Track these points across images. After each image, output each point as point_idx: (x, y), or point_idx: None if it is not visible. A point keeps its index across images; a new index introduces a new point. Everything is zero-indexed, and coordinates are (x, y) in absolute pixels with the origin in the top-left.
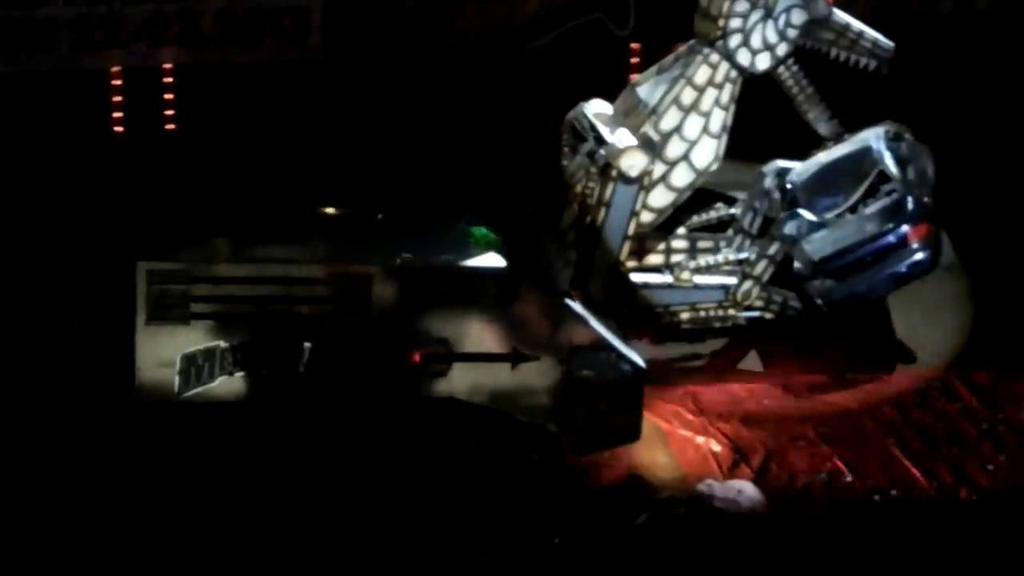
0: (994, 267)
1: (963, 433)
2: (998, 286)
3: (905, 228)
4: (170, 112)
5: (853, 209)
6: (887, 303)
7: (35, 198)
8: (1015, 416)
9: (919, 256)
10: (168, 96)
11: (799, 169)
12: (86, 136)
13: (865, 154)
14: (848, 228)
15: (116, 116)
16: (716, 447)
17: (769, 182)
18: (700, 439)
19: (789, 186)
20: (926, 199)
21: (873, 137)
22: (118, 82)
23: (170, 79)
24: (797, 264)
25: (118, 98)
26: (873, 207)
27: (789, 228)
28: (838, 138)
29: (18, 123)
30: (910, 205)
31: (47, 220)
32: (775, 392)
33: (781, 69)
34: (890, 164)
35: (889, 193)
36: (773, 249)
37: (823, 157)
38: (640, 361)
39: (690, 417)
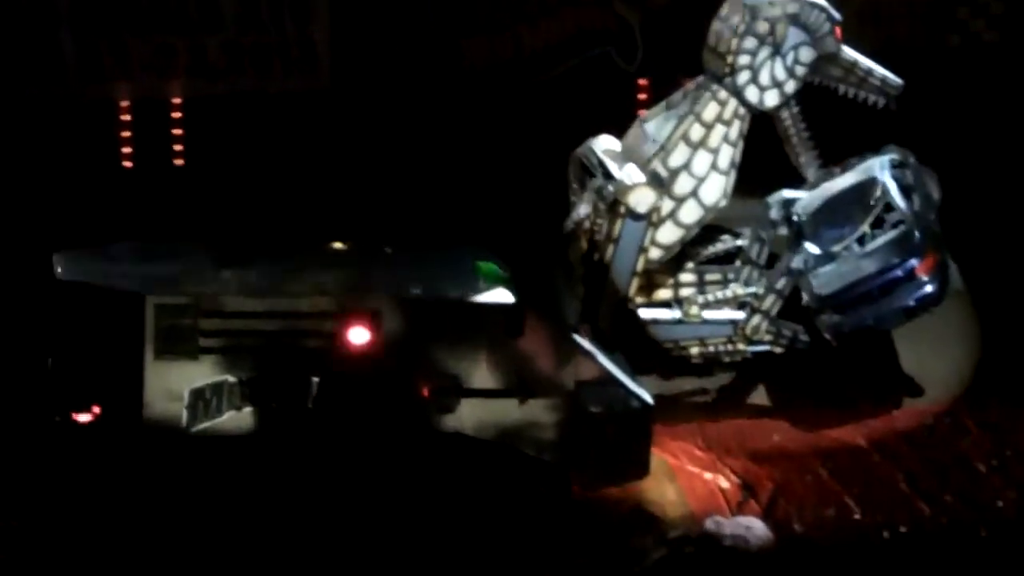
0: (1002, 299)
1: (973, 468)
2: (1006, 318)
3: (913, 262)
4: (179, 147)
5: (861, 240)
6: (893, 337)
7: (44, 231)
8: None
9: (928, 289)
10: (176, 131)
11: (805, 200)
12: (95, 170)
13: (870, 184)
14: (855, 262)
15: (125, 151)
16: (724, 483)
17: (775, 213)
18: (708, 475)
19: (795, 217)
20: (932, 226)
21: (877, 167)
22: (127, 117)
23: (178, 114)
24: (805, 297)
25: (127, 133)
26: (880, 239)
27: (796, 262)
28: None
29: (28, 155)
30: (917, 237)
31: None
32: (784, 427)
33: (783, 109)
34: (895, 196)
35: (895, 224)
36: (780, 283)
37: (829, 187)
38: (648, 397)
39: (698, 453)
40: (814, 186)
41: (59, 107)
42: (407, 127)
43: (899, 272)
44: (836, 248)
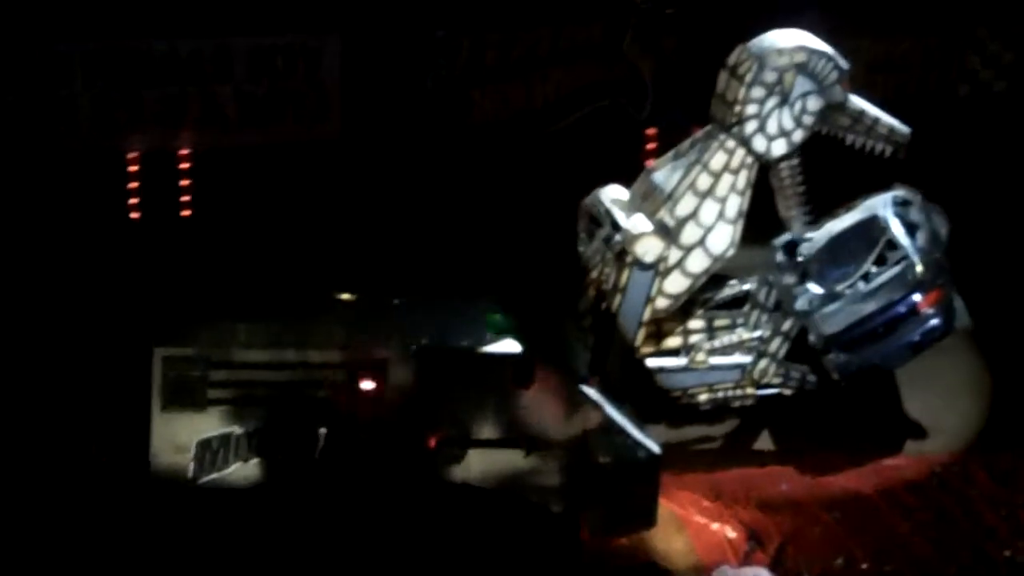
0: (1012, 348)
1: (981, 517)
2: (1016, 367)
3: (915, 297)
4: (186, 198)
5: (865, 278)
6: (902, 385)
7: (54, 283)
8: None
9: (932, 323)
10: (184, 182)
11: (810, 241)
12: (104, 221)
13: (873, 222)
14: (859, 300)
15: (133, 202)
16: (732, 533)
17: (781, 255)
18: (716, 525)
19: (800, 258)
20: (938, 262)
21: (880, 205)
22: (135, 168)
23: (186, 164)
24: (812, 338)
25: (134, 183)
26: (883, 277)
27: (801, 303)
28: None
29: (38, 206)
30: (919, 273)
31: (66, 306)
32: (791, 476)
33: (783, 163)
34: (897, 233)
35: (898, 261)
36: (787, 325)
37: (833, 227)
38: (656, 447)
39: (706, 503)
40: (818, 227)
41: (70, 158)
42: (417, 177)
43: (902, 308)
44: (840, 287)
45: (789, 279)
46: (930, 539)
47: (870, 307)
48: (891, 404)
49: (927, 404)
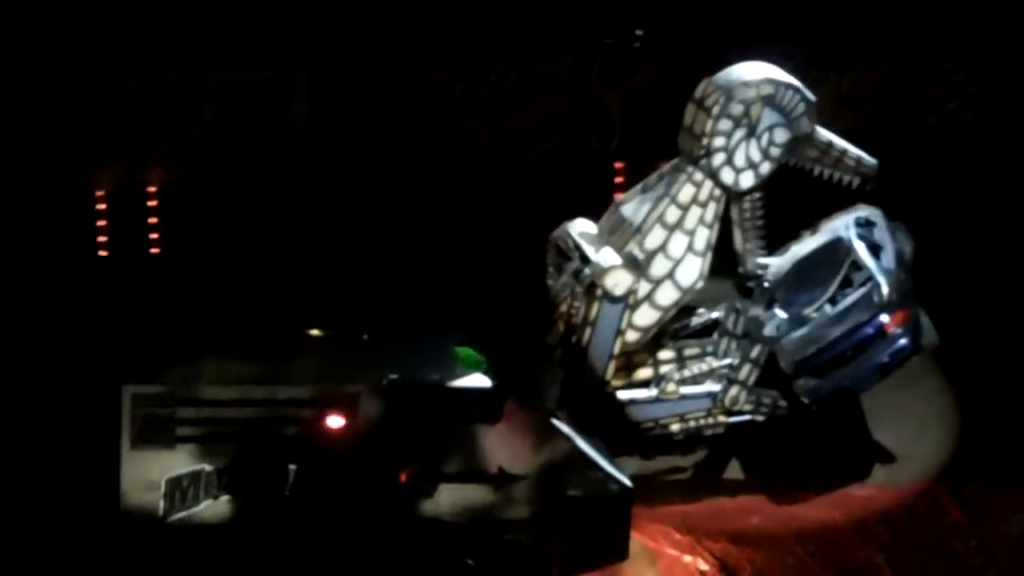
0: (981, 379)
1: (953, 548)
2: (985, 398)
3: (882, 318)
4: (155, 234)
5: (832, 301)
6: (873, 416)
7: (22, 321)
8: (1005, 530)
9: (901, 343)
10: (152, 219)
11: (775, 266)
12: (72, 258)
13: (837, 244)
14: (825, 324)
15: (101, 239)
16: (704, 566)
17: (761, 273)
18: (688, 558)
19: (767, 284)
20: (904, 282)
21: (843, 227)
22: (103, 205)
23: (154, 201)
24: (782, 363)
25: (102, 221)
26: (849, 299)
27: (769, 329)
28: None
29: (5, 244)
30: (885, 294)
31: (34, 344)
32: (763, 508)
33: (745, 199)
34: (861, 254)
35: (864, 283)
36: (755, 352)
37: (797, 251)
38: (627, 480)
39: (678, 536)
40: (783, 252)
41: (36, 195)
42: (385, 213)
43: (869, 330)
44: (807, 311)
45: (757, 305)
46: (902, 571)
47: (838, 330)
48: (861, 435)
49: (898, 435)
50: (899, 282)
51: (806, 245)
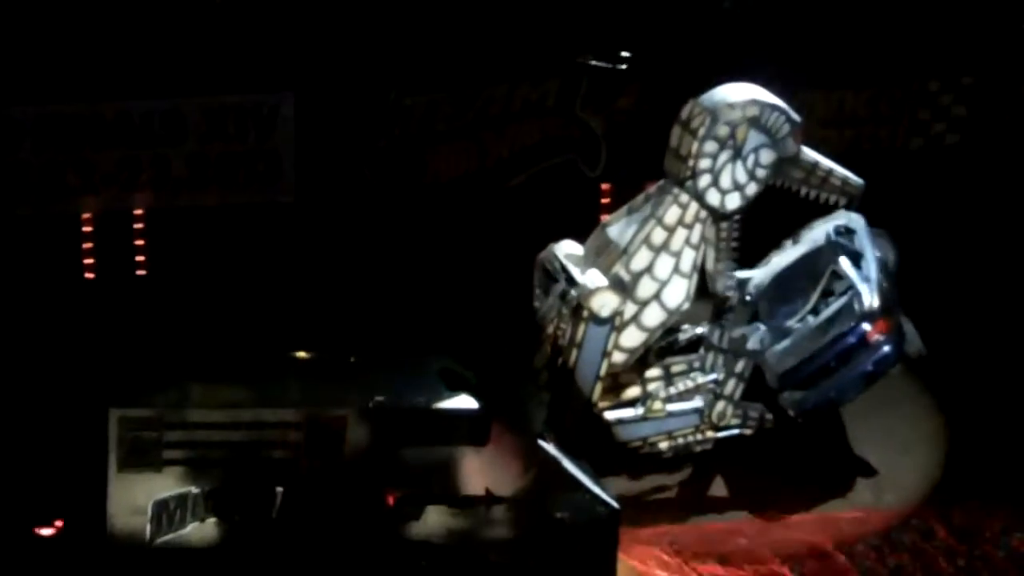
0: (968, 401)
1: (940, 571)
2: (972, 420)
3: (864, 327)
4: (141, 257)
5: (814, 312)
6: (860, 439)
7: (7, 344)
8: (992, 552)
9: (884, 351)
10: (139, 242)
11: (757, 279)
12: (58, 282)
13: (818, 254)
14: (808, 335)
15: (87, 262)
16: None
17: (731, 295)
18: None
19: (748, 297)
20: (886, 290)
21: (823, 236)
22: (89, 228)
23: (141, 224)
24: (767, 377)
25: (89, 244)
26: (830, 309)
27: (752, 343)
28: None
29: None
30: (866, 302)
31: (20, 368)
32: (751, 531)
33: (724, 223)
34: (842, 263)
35: (845, 292)
36: (740, 366)
37: (778, 262)
38: (614, 502)
39: (666, 558)
40: (764, 263)
41: (22, 219)
42: (372, 236)
43: (852, 339)
44: (790, 323)
45: (740, 319)
46: None
47: (820, 341)
48: (849, 457)
49: (885, 457)
50: (881, 290)
51: (787, 256)
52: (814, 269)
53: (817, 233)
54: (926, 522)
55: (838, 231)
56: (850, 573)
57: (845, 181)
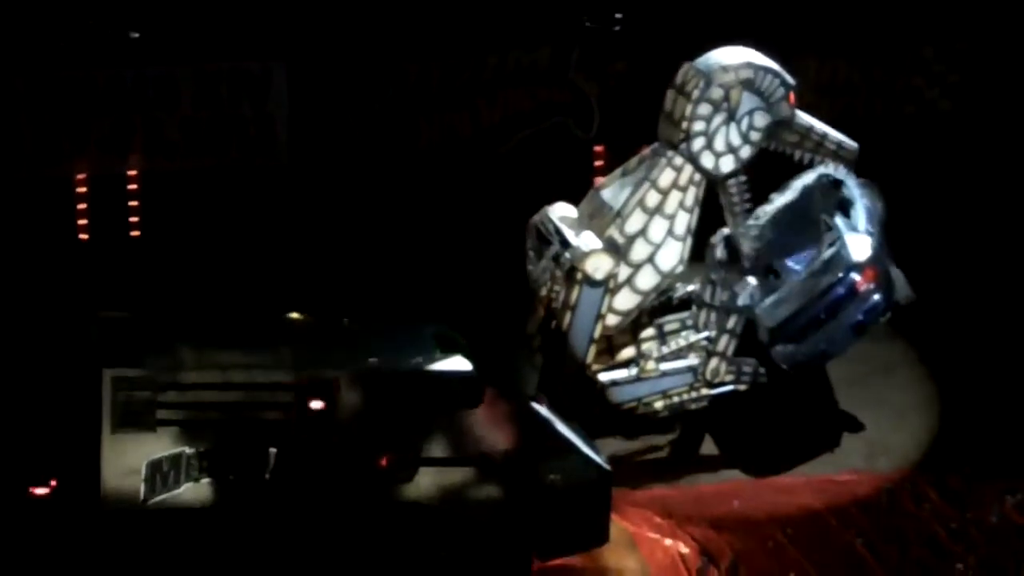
0: (960, 366)
1: (933, 535)
2: (964, 385)
3: (853, 276)
4: (135, 219)
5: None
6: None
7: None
8: (984, 516)
9: (873, 300)
10: (133, 203)
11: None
12: (52, 242)
13: (807, 203)
14: (797, 288)
15: (81, 223)
16: (684, 550)
17: (720, 252)
18: (668, 542)
19: (750, 252)
20: (874, 239)
21: (811, 184)
22: (83, 189)
23: (135, 186)
24: (760, 331)
25: (83, 205)
26: (819, 260)
27: (743, 298)
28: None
29: None
30: (853, 252)
31: (14, 328)
32: (743, 494)
33: (730, 180)
34: (829, 213)
35: (832, 243)
36: (732, 322)
37: (764, 213)
38: (607, 465)
39: (658, 520)
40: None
41: (16, 181)
42: (365, 201)
43: (840, 289)
44: (781, 278)
45: (731, 275)
46: (882, 557)
47: (809, 293)
48: (842, 421)
49: (878, 421)
50: (870, 239)
51: (772, 206)
52: (804, 217)
53: (803, 182)
54: (919, 486)
55: (826, 181)
56: (842, 536)
57: (840, 145)
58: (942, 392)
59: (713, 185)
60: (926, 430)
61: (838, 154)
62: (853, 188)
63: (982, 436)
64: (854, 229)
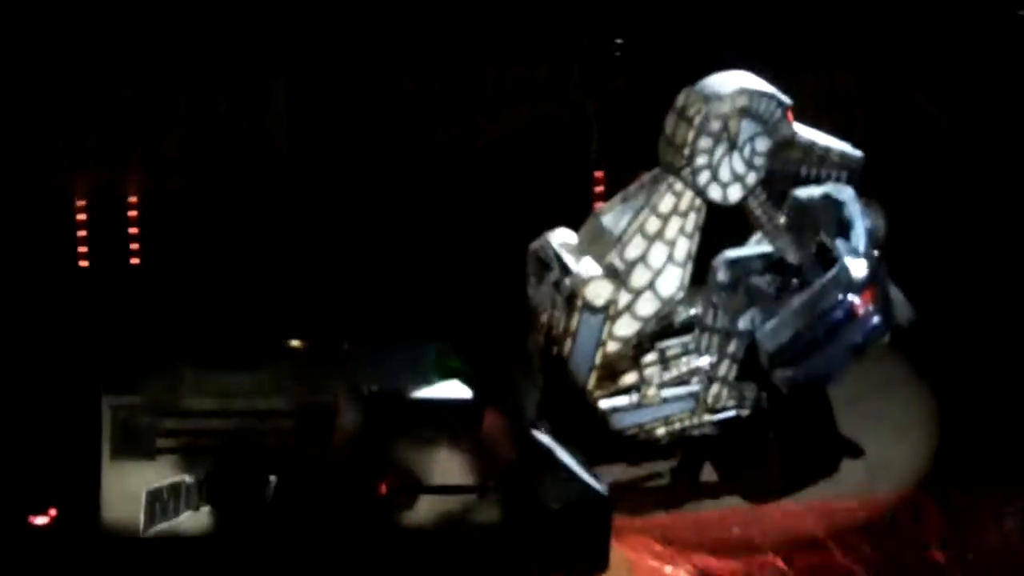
0: (960, 384)
1: (933, 558)
2: (964, 404)
3: (851, 299)
4: (135, 245)
5: (803, 285)
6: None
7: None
8: (984, 538)
9: (873, 322)
10: (133, 230)
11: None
12: (52, 269)
13: (807, 224)
14: (796, 311)
15: (81, 250)
16: None
17: (722, 275)
18: (668, 569)
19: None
20: (873, 260)
21: (810, 203)
22: (83, 216)
23: (134, 212)
24: (760, 356)
25: (83, 232)
26: (817, 283)
27: (743, 323)
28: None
29: None
30: (851, 274)
31: (13, 355)
32: (744, 520)
33: (750, 199)
34: (827, 235)
35: (832, 265)
36: (732, 347)
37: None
38: (606, 491)
39: (658, 547)
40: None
41: (15, 205)
42: (364, 222)
43: (839, 312)
44: (780, 299)
45: (733, 299)
46: None
47: (809, 315)
48: (841, 445)
49: (877, 444)
50: (869, 260)
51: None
52: (801, 239)
53: (803, 200)
54: (919, 509)
55: (827, 201)
56: (843, 561)
57: (843, 155)
58: (942, 410)
59: (713, 210)
60: (926, 450)
61: (843, 164)
62: (854, 208)
63: (983, 454)
64: (854, 251)
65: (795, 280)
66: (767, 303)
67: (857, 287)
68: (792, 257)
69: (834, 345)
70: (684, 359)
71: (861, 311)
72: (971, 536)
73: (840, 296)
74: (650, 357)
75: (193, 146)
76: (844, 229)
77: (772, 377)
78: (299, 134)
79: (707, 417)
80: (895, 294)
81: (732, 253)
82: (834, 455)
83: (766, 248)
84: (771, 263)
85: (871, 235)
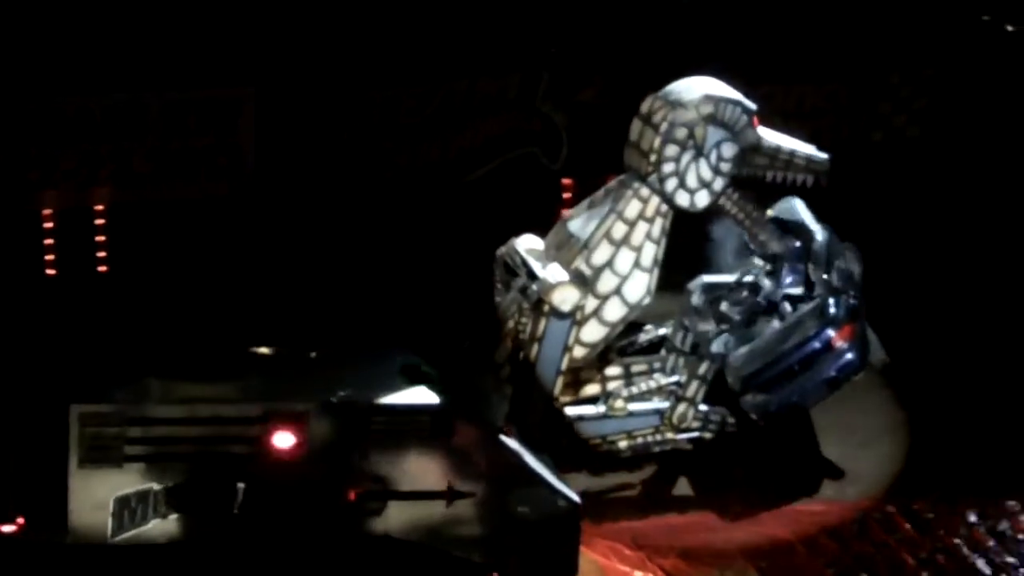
0: (930, 393)
1: (902, 563)
2: (934, 412)
3: (829, 332)
4: (102, 253)
5: (781, 316)
6: (821, 432)
7: None
8: (952, 544)
9: (848, 357)
10: (100, 238)
11: (725, 282)
12: (18, 277)
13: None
14: (772, 339)
15: (48, 258)
16: None
17: (697, 299)
18: (638, 574)
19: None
20: (851, 300)
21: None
22: (50, 224)
23: (101, 220)
24: (730, 379)
25: (50, 240)
26: (796, 314)
27: (716, 346)
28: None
29: None
30: (832, 308)
31: None
32: (714, 525)
33: (723, 200)
34: (809, 271)
35: (812, 297)
36: (703, 369)
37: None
38: (575, 496)
39: (628, 552)
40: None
41: None
42: (333, 231)
43: (816, 344)
44: (754, 328)
45: (705, 323)
46: None
47: (785, 344)
48: (810, 451)
49: (846, 450)
50: (846, 298)
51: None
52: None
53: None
54: (888, 514)
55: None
56: (813, 566)
57: (809, 159)
58: (911, 417)
59: (680, 216)
60: (895, 456)
61: (809, 168)
62: (830, 245)
63: (952, 460)
64: (831, 287)
65: (770, 309)
66: (739, 329)
67: (836, 321)
68: (777, 247)
69: (807, 376)
70: (650, 377)
71: (838, 345)
72: (941, 541)
73: (818, 328)
74: (614, 371)
75: (161, 158)
76: (823, 267)
77: (742, 402)
78: (268, 145)
79: (670, 435)
80: (871, 336)
81: (708, 278)
82: (804, 462)
83: (743, 275)
84: (746, 290)
85: (849, 278)
